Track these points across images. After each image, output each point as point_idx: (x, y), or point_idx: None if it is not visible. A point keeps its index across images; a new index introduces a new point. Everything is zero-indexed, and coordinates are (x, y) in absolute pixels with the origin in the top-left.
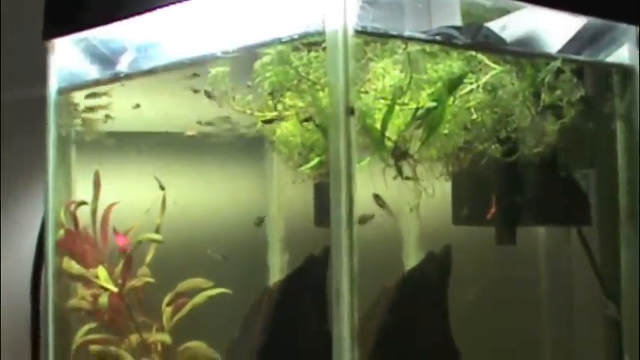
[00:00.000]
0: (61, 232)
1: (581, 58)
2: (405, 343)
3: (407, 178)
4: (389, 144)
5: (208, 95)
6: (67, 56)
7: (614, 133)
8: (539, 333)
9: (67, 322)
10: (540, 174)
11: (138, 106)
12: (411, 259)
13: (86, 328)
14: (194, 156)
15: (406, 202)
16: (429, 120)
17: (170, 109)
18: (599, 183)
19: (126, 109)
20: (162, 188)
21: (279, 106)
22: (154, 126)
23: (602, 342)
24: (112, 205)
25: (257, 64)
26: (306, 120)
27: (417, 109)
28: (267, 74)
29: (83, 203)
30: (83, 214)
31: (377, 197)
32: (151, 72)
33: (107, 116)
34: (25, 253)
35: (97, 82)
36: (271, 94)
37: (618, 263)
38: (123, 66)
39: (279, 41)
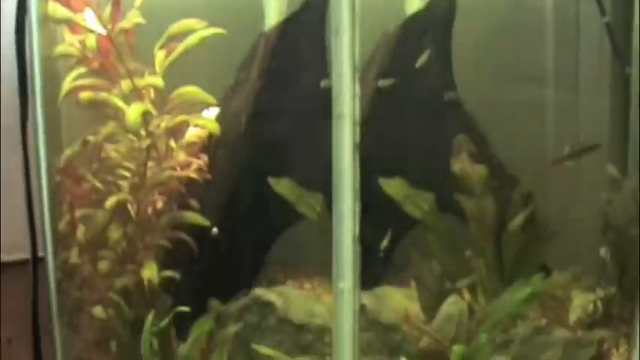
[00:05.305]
0: None
1: None
2: (405, 88)
3: None
4: None
5: None
6: None
7: None
8: (543, 96)
9: (55, 71)
10: None
11: None
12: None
13: (75, 73)
14: None
15: None
16: None
17: None
18: None
19: None
20: None
21: None
22: None
23: (609, 108)
24: None
25: None
26: None
27: None
28: None
29: None
30: None
31: None
32: None
33: None
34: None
35: None
36: None
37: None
38: None
39: None
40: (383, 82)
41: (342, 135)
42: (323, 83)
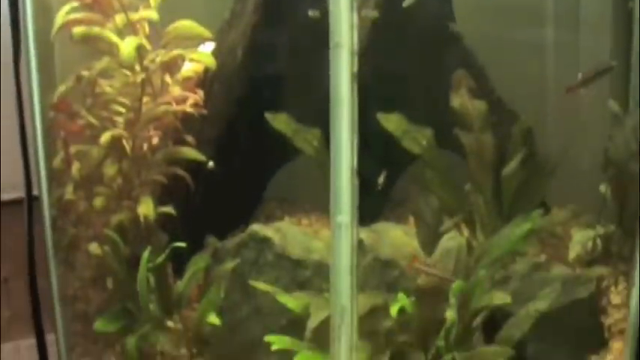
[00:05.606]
0: None
1: None
2: (403, 19)
3: None
4: None
5: None
6: None
7: None
8: (544, 31)
9: (47, 5)
10: None
11: None
12: None
13: (67, 7)
14: None
15: None
16: None
17: None
18: None
19: None
20: None
21: None
22: None
23: (610, 43)
24: None
25: None
26: None
27: None
28: None
29: None
30: None
31: None
32: None
33: None
34: None
35: None
36: None
37: None
38: None
39: None
40: (366, 12)
41: (340, 65)
42: (311, 13)
